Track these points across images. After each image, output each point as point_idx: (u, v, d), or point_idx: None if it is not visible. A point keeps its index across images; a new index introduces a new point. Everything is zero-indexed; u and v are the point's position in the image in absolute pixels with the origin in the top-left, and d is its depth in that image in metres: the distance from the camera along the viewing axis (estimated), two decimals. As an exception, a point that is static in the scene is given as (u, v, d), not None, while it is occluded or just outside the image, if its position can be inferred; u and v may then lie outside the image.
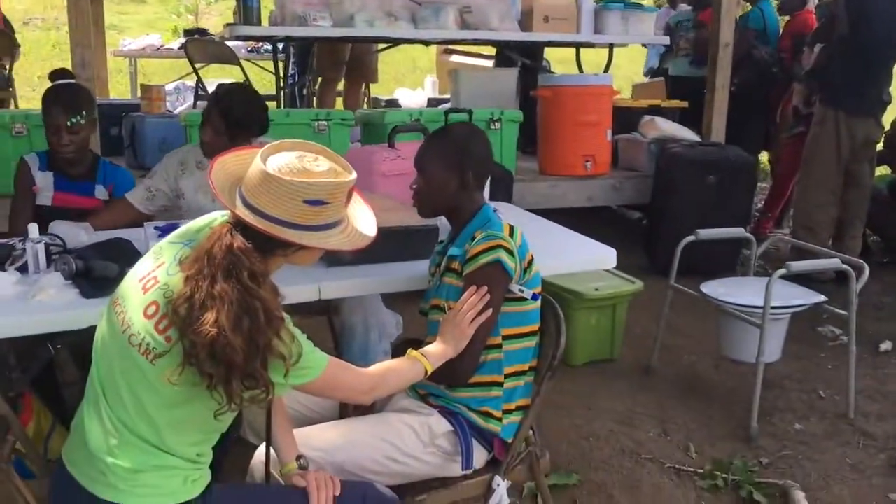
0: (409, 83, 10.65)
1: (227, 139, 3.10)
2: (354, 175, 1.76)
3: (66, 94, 3.19)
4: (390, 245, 2.60)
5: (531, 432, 2.26)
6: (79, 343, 2.95)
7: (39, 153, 3.34)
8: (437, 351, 2.08)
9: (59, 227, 2.70)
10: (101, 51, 6.98)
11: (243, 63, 6.25)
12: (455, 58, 7.95)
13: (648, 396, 3.69)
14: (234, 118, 3.11)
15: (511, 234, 2.19)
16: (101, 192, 3.35)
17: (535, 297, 2.22)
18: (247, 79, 6.11)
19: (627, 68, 10.76)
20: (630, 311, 4.12)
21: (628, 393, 3.72)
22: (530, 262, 2.22)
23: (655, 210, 5.21)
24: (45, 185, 3.29)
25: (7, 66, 5.75)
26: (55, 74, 3.29)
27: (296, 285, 2.42)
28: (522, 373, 2.24)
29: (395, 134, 3.27)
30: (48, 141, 3.22)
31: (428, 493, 2.15)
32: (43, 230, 3.00)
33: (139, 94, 7.85)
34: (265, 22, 4.98)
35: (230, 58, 6.02)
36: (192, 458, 1.76)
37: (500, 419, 2.20)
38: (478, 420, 2.19)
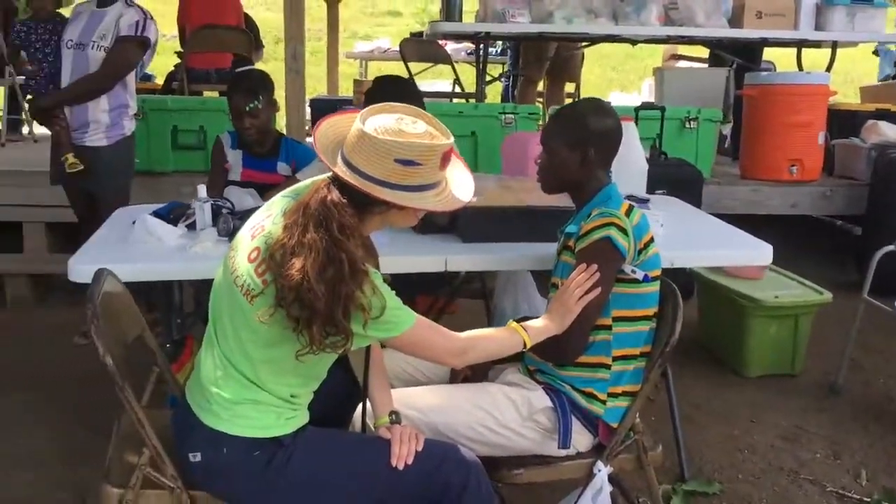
0: (633, 89, 10.44)
1: None
2: (451, 139, 1.77)
3: (244, 81, 3.48)
4: (522, 224, 2.61)
5: (638, 420, 2.16)
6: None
7: (232, 132, 3.68)
8: (539, 325, 2.04)
9: (231, 192, 2.96)
10: (333, 52, 7.53)
11: (461, 65, 6.47)
12: (682, 63, 7.69)
13: (825, 416, 3.36)
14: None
15: (629, 213, 2.11)
16: (283, 169, 3.62)
17: (647, 279, 2.12)
18: (457, 78, 6.31)
19: (858, 71, 9.83)
20: (820, 326, 3.78)
21: (802, 410, 3.42)
22: (647, 244, 2.12)
23: (870, 221, 4.72)
24: (234, 162, 3.61)
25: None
26: (235, 63, 3.61)
27: (424, 255, 2.51)
28: (633, 357, 2.14)
29: (556, 119, 3.24)
30: (233, 123, 3.54)
31: (525, 468, 2.12)
32: None
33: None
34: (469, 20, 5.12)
35: (443, 58, 6.24)
36: (286, 397, 1.86)
37: (603, 402, 2.12)
38: (581, 400, 2.12)
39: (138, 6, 3.71)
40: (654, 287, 2.15)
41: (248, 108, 3.41)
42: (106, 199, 3.78)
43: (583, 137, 2.17)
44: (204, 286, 2.66)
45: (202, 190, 2.72)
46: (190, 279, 2.45)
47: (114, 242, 2.61)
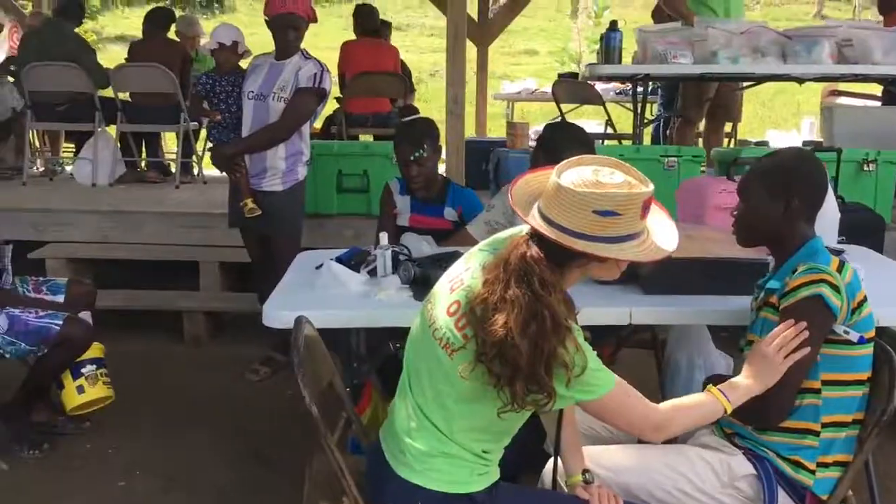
0: (789, 127, 10.02)
1: None
2: (651, 187, 1.74)
3: (409, 130, 3.55)
4: (712, 276, 2.51)
5: (850, 493, 2.01)
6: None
7: (401, 179, 3.75)
8: (741, 386, 1.95)
9: (408, 238, 3.01)
10: (482, 94, 7.62)
11: (609, 104, 6.41)
12: (842, 100, 7.34)
13: None
14: (559, 158, 3.19)
15: (840, 269, 1.99)
16: (450, 214, 3.66)
17: (863, 341, 1.98)
18: (609, 120, 6.24)
19: None
20: None
21: None
22: (861, 303, 1.99)
23: None
24: (403, 208, 3.68)
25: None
26: (403, 111, 3.68)
27: (607, 307, 2.45)
28: (844, 424, 2.01)
29: (735, 165, 3.13)
30: (400, 171, 3.61)
31: (723, 537, 2.01)
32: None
33: (512, 133, 8.47)
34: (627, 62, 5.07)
35: (594, 98, 6.20)
36: (478, 452, 1.85)
37: (812, 471, 1.99)
38: (787, 469, 2.00)
39: (315, 59, 3.87)
40: (868, 350, 2.02)
41: (413, 157, 3.48)
42: (280, 241, 3.94)
43: (786, 187, 2.08)
44: (374, 333, 2.72)
45: (384, 238, 2.77)
46: (376, 326, 2.49)
47: (301, 288, 2.69)
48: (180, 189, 6.04)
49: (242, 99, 3.89)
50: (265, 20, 3.84)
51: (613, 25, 4.92)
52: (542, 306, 1.67)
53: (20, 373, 3.36)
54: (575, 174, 1.73)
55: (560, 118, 6.04)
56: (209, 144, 4.59)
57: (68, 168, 7.03)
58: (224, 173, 3.99)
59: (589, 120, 7.80)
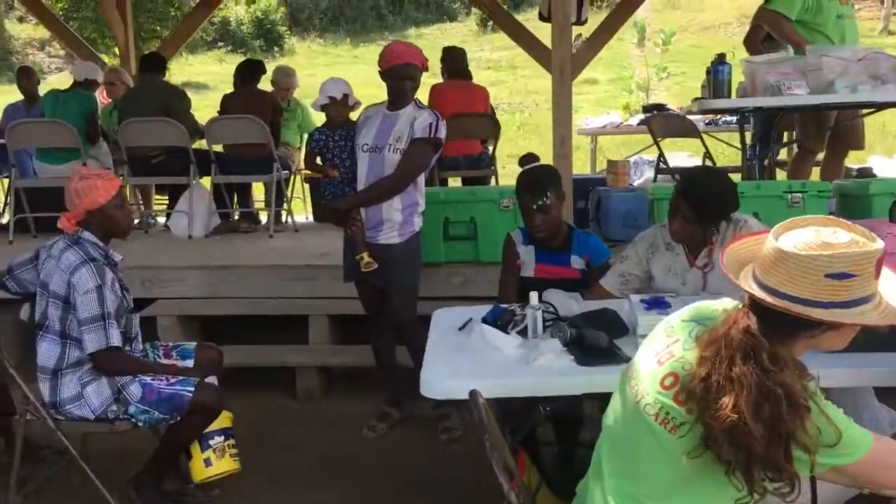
0: (882, 150, 9.68)
1: (698, 227, 3.10)
2: (881, 244, 1.60)
3: (532, 179, 3.45)
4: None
5: None
6: (558, 408, 3.12)
7: (522, 229, 3.64)
8: None
9: (553, 295, 2.89)
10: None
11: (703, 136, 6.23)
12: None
13: None
14: (704, 207, 3.07)
15: None
16: (577, 262, 3.53)
17: None
18: (707, 153, 6.07)
19: None
20: None
21: None
22: None
23: None
24: (527, 259, 3.57)
25: (491, 147, 6.43)
26: (524, 160, 3.58)
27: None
28: None
29: (899, 206, 2.96)
30: (524, 221, 3.51)
31: None
32: (524, 298, 3.28)
33: (597, 168, 8.31)
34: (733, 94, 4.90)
35: (691, 131, 6.03)
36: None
37: None
38: None
39: (429, 108, 3.80)
40: None
41: (537, 206, 3.38)
42: (397, 293, 3.86)
43: None
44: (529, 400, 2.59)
45: (534, 298, 2.66)
46: (543, 396, 2.37)
47: (452, 352, 2.58)
48: (274, 238, 6.04)
49: (356, 152, 3.84)
50: (379, 72, 3.79)
51: (721, 58, 4.77)
52: (775, 384, 1.54)
53: (148, 440, 3.32)
54: (795, 238, 1.60)
55: (661, 156, 5.89)
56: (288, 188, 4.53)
57: (160, 220, 7.11)
58: (337, 225, 3.92)
59: (678, 152, 7.64)
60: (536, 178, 3.44)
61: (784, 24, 4.98)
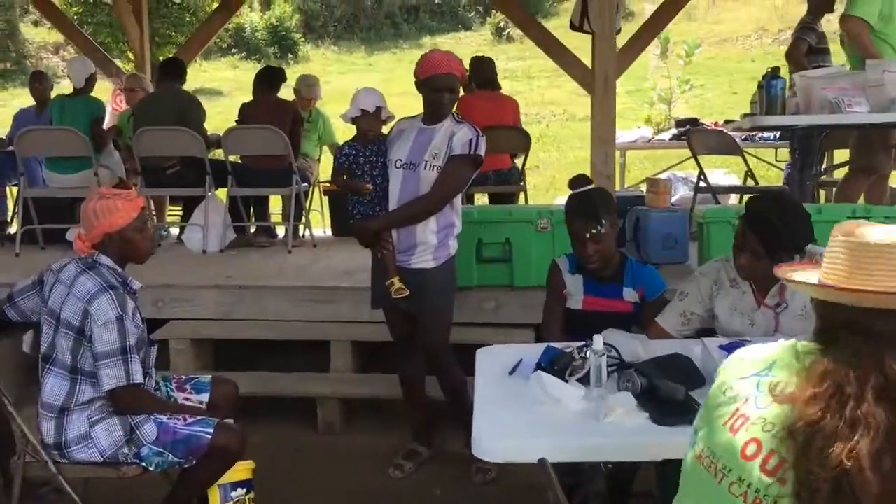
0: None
1: (768, 262, 2.68)
2: None
3: (585, 204, 3.14)
4: None
5: None
6: (615, 470, 2.80)
7: (570, 256, 3.33)
8: None
9: (615, 336, 2.57)
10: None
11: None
12: None
13: None
14: (775, 240, 2.71)
15: None
16: (630, 295, 3.21)
17: None
18: (750, 172, 5.74)
19: None
20: None
21: None
22: None
23: None
24: (574, 289, 3.25)
25: (520, 161, 6.13)
26: (575, 182, 3.27)
27: None
28: None
29: None
30: (574, 248, 3.20)
31: None
32: (572, 333, 2.96)
33: (626, 184, 7.99)
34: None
35: (732, 148, 5.71)
36: None
37: None
38: None
39: (468, 123, 3.50)
40: None
41: (591, 234, 3.07)
42: (429, 321, 3.55)
43: None
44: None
45: (598, 341, 2.34)
46: (620, 460, 2.06)
47: (504, 404, 2.26)
48: (293, 254, 5.74)
49: (389, 168, 3.53)
50: (415, 82, 3.49)
51: (775, 72, 4.46)
52: None
53: (156, 484, 3.02)
54: (878, 230, 1.41)
55: (702, 173, 5.57)
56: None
57: (173, 231, 6.82)
58: (368, 248, 3.61)
59: (713, 169, 7.31)
60: (590, 203, 3.13)
61: (867, 32, 4.61)
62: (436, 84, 3.41)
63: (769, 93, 4.42)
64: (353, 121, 3.62)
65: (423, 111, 3.57)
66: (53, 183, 5.98)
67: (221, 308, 4.53)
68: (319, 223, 7.21)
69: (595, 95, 4.17)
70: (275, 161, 5.81)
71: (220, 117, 16.72)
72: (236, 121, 6.11)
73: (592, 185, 3.26)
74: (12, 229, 6.36)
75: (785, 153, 6.98)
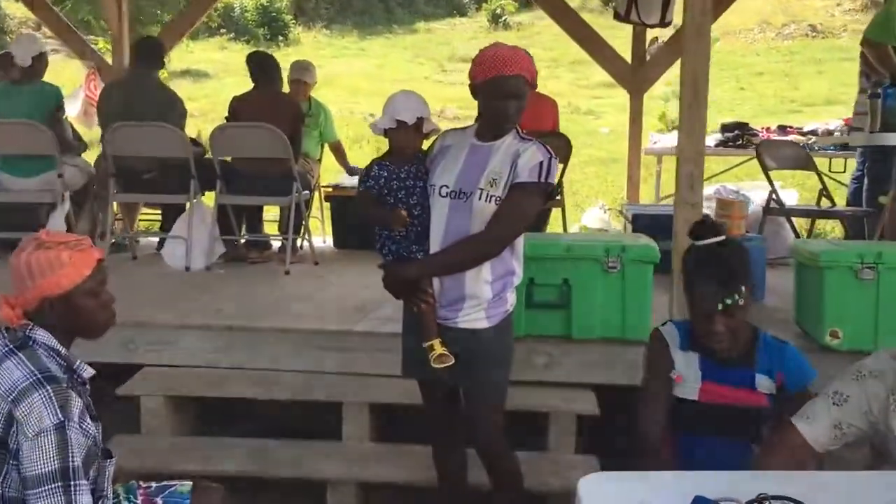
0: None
1: None
2: None
3: (717, 265, 2.27)
4: None
5: None
6: None
7: (679, 324, 2.46)
8: None
9: (792, 482, 1.69)
10: (635, 151, 6.32)
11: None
12: None
13: None
14: None
15: None
16: (764, 384, 2.35)
17: None
18: (825, 190, 4.88)
19: None
20: None
21: None
22: None
23: None
24: (688, 372, 2.39)
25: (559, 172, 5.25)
26: (698, 229, 2.39)
27: None
28: None
29: None
30: (694, 321, 2.33)
31: None
32: (683, 432, 2.11)
33: (661, 194, 7.10)
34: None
35: (806, 163, 4.84)
36: None
37: None
38: None
39: (537, 141, 2.60)
40: None
41: (723, 306, 2.21)
42: (479, 400, 2.67)
43: None
44: None
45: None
46: None
47: None
48: (291, 274, 4.83)
49: (430, 196, 2.64)
50: (471, 84, 2.59)
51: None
52: None
53: None
54: None
55: (774, 192, 4.69)
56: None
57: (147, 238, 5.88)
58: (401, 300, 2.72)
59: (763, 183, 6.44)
60: (725, 265, 2.26)
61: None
62: (501, 89, 2.51)
63: (885, 106, 3.55)
64: (387, 133, 2.72)
65: (476, 123, 2.68)
66: (9, 187, 5.00)
67: (206, 355, 3.61)
68: (318, 231, 6.28)
69: (683, 102, 3.28)
70: (272, 165, 4.88)
71: (206, 100, 15.65)
72: (226, 117, 5.16)
73: (723, 237, 2.37)
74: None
75: (838, 164, 6.14)
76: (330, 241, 6.11)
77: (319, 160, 6.19)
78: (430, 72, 20.52)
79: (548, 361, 3.47)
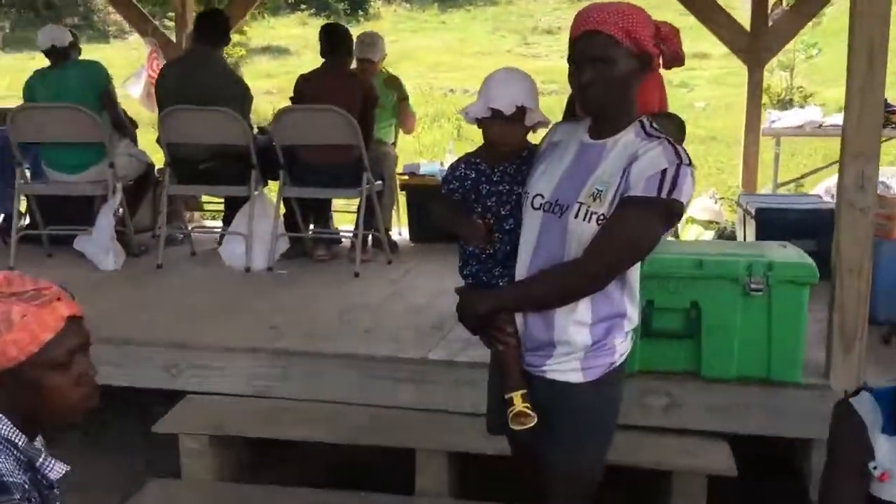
0: None
1: None
2: None
3: None
4: None
5: None
6: None
7: (882, 395, 1.73)
8: None
9: None
10: (754, 132, 5.45)
11: None
12: None
13: None
14: None
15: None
16: None
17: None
18: None
19: None
20: None
21: None
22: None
23: None
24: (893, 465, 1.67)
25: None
26: None
27: None
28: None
29: None
30: None
31: None
32: None
33: (779, 180, 6.22)
34: None
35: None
36: None
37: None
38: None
39: (669, 142, 1.87)
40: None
41: None
42: (558, 467, 1.99)
43: None
44: None
45: None
46: None
47: None
48: (361, 277, 4.24)
49: (523, 206, 1.98)
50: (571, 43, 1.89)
51: None
52: None
53: None
54: None
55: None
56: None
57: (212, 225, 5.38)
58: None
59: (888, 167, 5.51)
60: None
61: None
62: (574, 51, 1.85)
63: None
64: (479, 123, 2.06)
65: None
66: (55, 182, 4.53)
67: (258, 382, 3.04)
68: (395, 221, 5.65)
69: (850, 77, 2.49)
70: (340, 153, 4.28)
71: (285, 77, 15.19)
72: (291, 98, 4.57)
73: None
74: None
75: None
76: (405, 232, 5.49)
77: (394, 143, 5.55)
78: (512, 45, 19.71)
79: (668, 404, 2.77)
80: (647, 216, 1.81)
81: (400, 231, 5.59)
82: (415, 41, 19.60)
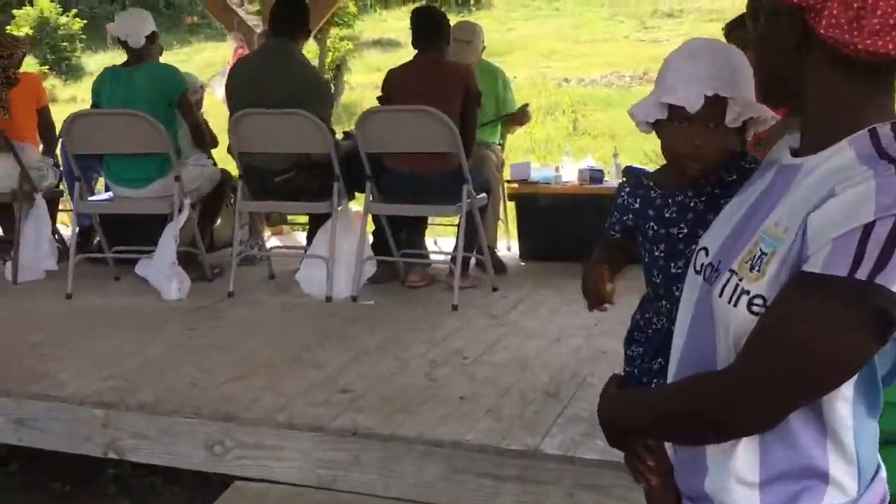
0: None
1: None
2: None
3: None
4: None
5: None
6: None
7: None
8: None
9: None
10: None
11: None
12: None
13: None
14: None
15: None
16: None
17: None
18: None
19: None
20: None
21: None
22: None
23: None
24: None
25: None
26: None
27: None
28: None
29: None
30: None
31: None
32: None
33: None
34: None
35: None
36: None
37: None
38: None
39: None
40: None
41: None
42: None
43: None
44: None
45: None
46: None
47: None
48: (459, 311, 3.49)
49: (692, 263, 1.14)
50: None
51: None
52: None
53: None
54: None
55: None
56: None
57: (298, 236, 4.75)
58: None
59: None
60: None
61: None
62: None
63: None
64: (656, 129, 1.25)
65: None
66: (118, 198, 3.97)
67: (322, 471, 2.33)
68: (503, 235, 4.87)
69: None
70: (436, 162, 3.53)
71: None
72: (378, 97, 3.84)
73: None
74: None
75: None
76: (515, 247, 4.70)
77: (502, 144, 4.75)
78: (630, 30, 18.56)
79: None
80: (831, 314, 0.92)
81: (509, 246, 4.81)
82: (527, 29, 18.75)
